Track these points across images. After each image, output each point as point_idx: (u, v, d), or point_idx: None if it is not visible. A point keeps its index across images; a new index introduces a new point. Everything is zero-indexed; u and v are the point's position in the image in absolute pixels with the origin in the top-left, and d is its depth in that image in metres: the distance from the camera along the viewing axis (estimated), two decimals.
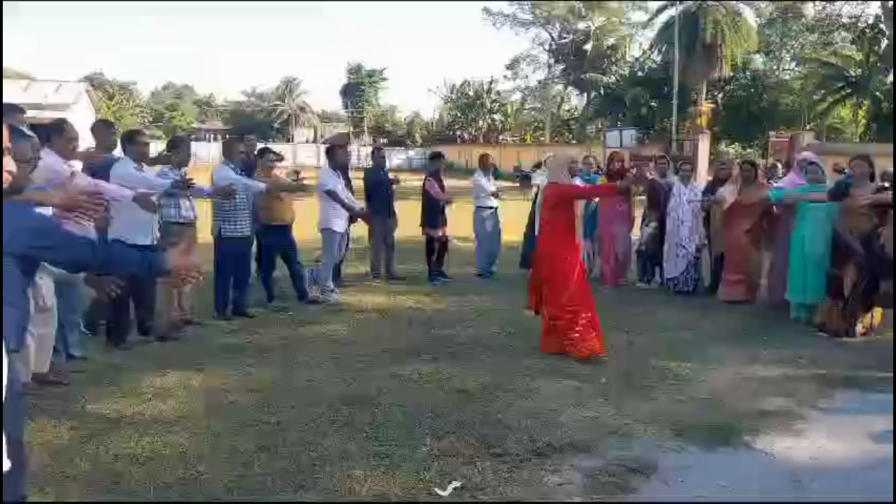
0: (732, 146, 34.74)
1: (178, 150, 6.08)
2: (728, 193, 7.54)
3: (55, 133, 4.84)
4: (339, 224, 7.42)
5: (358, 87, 63.29)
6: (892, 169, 7.53)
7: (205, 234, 6.54)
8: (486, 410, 4.28)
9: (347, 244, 8.17)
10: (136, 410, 4.20)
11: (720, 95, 37.82)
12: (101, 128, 5.97)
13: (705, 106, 34.22)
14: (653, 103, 36.71)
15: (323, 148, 10.36)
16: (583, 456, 3.66)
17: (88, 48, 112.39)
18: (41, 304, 4.10)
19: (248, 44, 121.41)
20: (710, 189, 8.11)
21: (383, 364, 5.19)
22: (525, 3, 47.90)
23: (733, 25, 32.99)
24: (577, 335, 5.37)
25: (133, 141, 5.62)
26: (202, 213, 6.30)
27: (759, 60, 39.81)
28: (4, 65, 59.14)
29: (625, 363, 5.29)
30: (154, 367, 4.99)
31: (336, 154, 7.72)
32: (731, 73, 35.67)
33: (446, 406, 4.33)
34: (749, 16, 35.37)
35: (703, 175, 20.52)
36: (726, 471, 3.55)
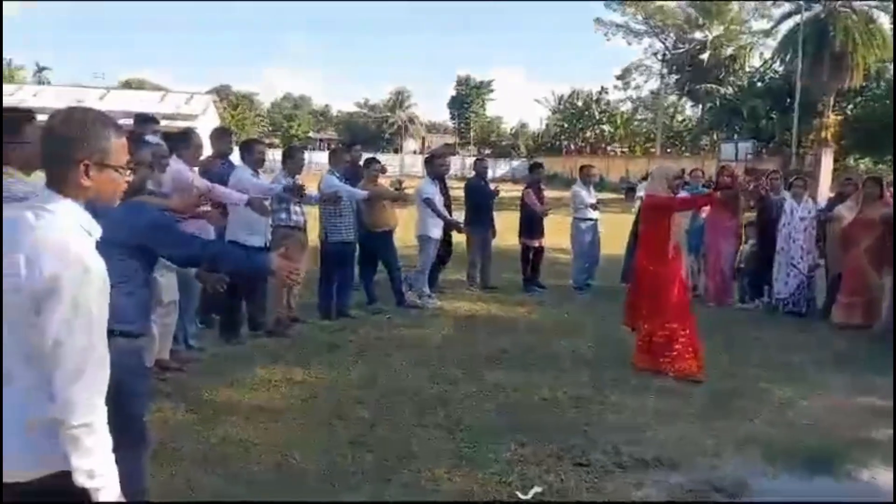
0: (862, 161, 32.41)
1: (292, 160, 6.47)
2: (847, 210, 7.12)
3: (183, 142, 5.31)
4: (436, 231, 7.69)
5: (465, 99, 64.09)
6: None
7: (314, 238, 6.92)
8: (573, 421, 4.29)
9: (450, 252, 8.38)
10: (242, 399, 4.53)
11: (850, 107, 35.38)
12: (218, 135, 6.44)
13: (832, 118, 32.14)
14: (773, 115, 34.88)
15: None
16: (669, 472, 3.60)
17: (216, 62, 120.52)
18: (162, 299, 4.49)
19: (363, 56, 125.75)
20: (831, 206, 7.68)
21: (474, 369, 5.29)
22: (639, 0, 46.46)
23: (866, 32, 30.79)
24: (674, 353, 5.25)
25: (250, 149, 6.04)
26: (311, 219, 6.67)
27: None
28: (144, 77, 64.45)
29: (722, 383, 5.12)
30: (261, 361, 5.34)
31: (434, 164, 8.01)
32: (863, 83, 33.26)
33: (533, 414, 4.38)
34: (884, 21, 32.90)
35: (824, 191, 19.34)
36: (822, 498, 3.39)
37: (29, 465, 1.68)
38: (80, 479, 1.63)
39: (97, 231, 1.74)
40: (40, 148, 1.75)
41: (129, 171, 1.82)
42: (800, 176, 9.18)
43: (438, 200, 7.61)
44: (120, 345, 2.26)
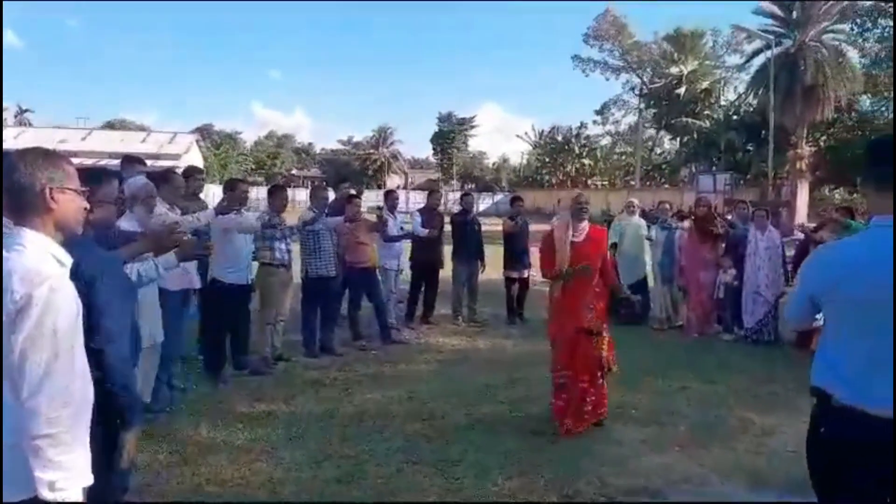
0: (837, 191, 33.08)
1: (276, 198, 6.54)
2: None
3: (163, 182, 5.32)
4: (391, 262, 8.01)
5: (448, 135, 64.78)
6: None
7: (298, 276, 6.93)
8: (560, 453, 4.31)
9: (432, 286, 8.46)
10: (227, 438, 4.49)
11: (823, 138, 36.23)
12: (188, 173, 6.47)
13: (805, 149, 32.87)
14: (749, 147, 35.57)
15: (412, 194, 11.28)
16: (655, 502, 3.62)
17: (199, 100, 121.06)
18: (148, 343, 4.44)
19: (347, 94, 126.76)
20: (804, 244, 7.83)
21: (460, 404, 5.30)
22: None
23: (836, 66, 31.68)
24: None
25: (234, 188, 6.09)
26: (295, 257, 6.69)
27: (866, 101, 37.88)
28: (127, 118, 64.47)
29: (705, 413, 5.17)
30: (245, 400, 5.31)
31: (390, 198, 8.50)
32: (835, 115, 34.11)
33: (519, 447, 4.39)
34: (853, 55, 33.86)
35: (801, 221, 19.66)
36: None
37: (18, 487, 1.72)
38: (42, 491, 1.68)
39: (68, 260, 1.85)
40: (4, 185, 1.82)
41: (85, 197, 1.94)
42: (761, 207, 9.40)
43: (391, 226, 7.85)
44: None
